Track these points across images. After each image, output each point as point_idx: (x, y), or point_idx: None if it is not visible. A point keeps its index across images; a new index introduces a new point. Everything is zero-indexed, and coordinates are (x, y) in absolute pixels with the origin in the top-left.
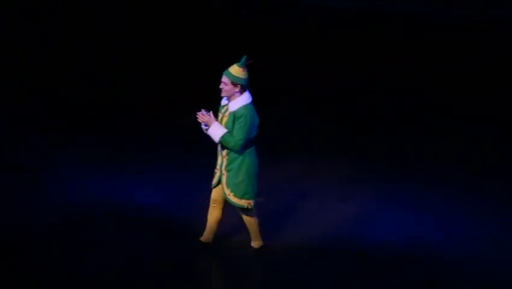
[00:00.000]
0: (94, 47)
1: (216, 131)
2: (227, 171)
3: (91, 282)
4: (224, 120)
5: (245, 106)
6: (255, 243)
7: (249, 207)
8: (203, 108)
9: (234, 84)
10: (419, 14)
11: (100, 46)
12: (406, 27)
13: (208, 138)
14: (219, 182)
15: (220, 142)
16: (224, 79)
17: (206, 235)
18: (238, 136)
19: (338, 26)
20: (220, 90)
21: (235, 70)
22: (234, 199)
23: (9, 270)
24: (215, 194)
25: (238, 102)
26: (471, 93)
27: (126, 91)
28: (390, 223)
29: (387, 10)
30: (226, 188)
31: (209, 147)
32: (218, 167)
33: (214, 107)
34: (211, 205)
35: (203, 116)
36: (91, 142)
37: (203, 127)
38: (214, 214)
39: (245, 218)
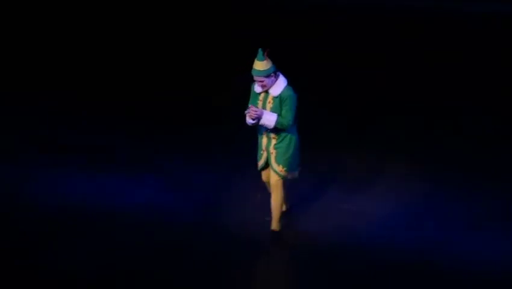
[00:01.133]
0: (96, 47)
1: (269, 118)
2: (276, 149)
3: (91, 282)
4: (269, 105)
5: (287, 88)
6: (277, 225)
7: (295, 177)
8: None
9: (268, 76)
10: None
11: (101, 46)
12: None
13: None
14: (267, 163)
15: (275, 126)
16: (257, 78)
17: (283, 204)
18: (289, 117)
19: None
20: (260, 87)
21: (260, 65)
22: (284, 174)
23: (9, 270)
24: (265, 175)
25: (278, 86)
26: (473, 92)
27: (128, 91)
28: (392, 221)
29: (387, 5)
30: (277, 165)
31: (208, 148)
32: (264, 148)
33: (216, 106)
34: (267, 185)
35: (255, 112)
36: (91, 142)
37: (250, 121)
38: (268, 187)
39: (276, 197)
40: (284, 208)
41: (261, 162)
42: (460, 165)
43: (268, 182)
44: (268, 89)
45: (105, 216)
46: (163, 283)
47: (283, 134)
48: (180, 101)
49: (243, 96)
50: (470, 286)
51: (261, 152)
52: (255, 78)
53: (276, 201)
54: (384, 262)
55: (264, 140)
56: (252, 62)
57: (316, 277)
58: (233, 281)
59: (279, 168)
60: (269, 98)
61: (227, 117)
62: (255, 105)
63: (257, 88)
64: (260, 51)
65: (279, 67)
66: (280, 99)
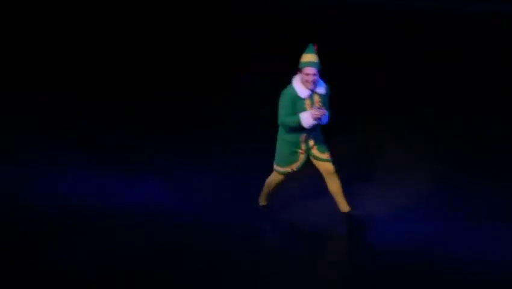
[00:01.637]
0: (96, 47)
1: (327, 115)
2: (316, 144)
3: (91, 282)
4: (318, 104)
5: (326, 84)
6: (346, 207)
7: None
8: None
9: (319, 70)
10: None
11: (101, 46)
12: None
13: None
14: (303, 163)
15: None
16: (312, 70)
17: (266, 200)
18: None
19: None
20: (310, 83)
21: (314, 57)
22: (331, 157)
23: (9, 270)
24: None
25: (321, 84)
26: (473, 92)
27: (128, 91)
28: (392, 221)
29: (387, 5)
30: (323, 154)
31: (208, 148)
32: (303, 150)
33: (216, 106)
34: (279, 182)
35: (321, 111)
36: (91, 142)
37: (315, 122)
38: (279, 185)
39: (337, 182)
40: (264, 202)
41: (298, 164)
42: (460, 165)
43: (283, 180)
44: (314, 88)
45: (105, 216)
46: (163, 283)
47: (317, 130)
48: (180, 101)
49: (243, 96)
50: (470, 286)
51: (299, 154)
52: (309, 71)
53: (340, 184)
54: (384, 262)
55: (302, 142)
56: (252, 62)
57: (316, 277)
58: (233, 281)
59: (327, 156)
60: (316, 98)
61: (227, 117)
62: (303, 109)
63: (303, 92)
64: (311, 45)
65: (280, 67)
66: (327, 96)
